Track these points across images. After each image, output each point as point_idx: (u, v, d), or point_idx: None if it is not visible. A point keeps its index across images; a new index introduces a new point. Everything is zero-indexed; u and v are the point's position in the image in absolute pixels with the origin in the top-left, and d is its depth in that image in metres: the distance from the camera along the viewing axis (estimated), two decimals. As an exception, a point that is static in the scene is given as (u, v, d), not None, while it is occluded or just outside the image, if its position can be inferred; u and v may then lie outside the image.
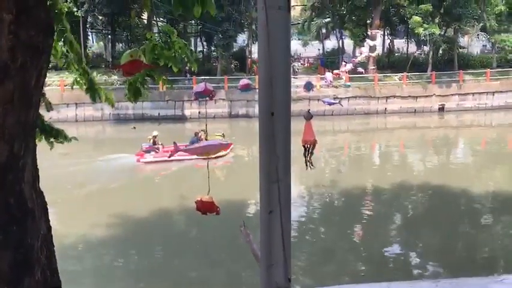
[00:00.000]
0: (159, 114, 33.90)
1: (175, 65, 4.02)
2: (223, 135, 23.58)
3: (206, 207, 4.89)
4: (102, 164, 21.17)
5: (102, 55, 45.21)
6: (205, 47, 43.35)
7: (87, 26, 40.68)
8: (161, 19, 35.35)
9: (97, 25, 42.82)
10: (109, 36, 42.24)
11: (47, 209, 2.34)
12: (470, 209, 16.04)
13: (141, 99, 4.24)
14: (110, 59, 40.78)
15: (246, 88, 8.85)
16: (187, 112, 33.97)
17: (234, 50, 41.48)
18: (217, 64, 38.98)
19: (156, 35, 4.10)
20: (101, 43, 47.78)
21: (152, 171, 20.86)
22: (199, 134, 22.15)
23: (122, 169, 20.38)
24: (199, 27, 41.04)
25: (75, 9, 34.62)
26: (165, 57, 3.98)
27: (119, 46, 42.46)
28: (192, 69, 4.47)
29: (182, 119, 33.56)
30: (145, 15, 37.34)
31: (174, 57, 3.97)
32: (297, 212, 15.00)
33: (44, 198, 2.33)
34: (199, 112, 32.85)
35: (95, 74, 34.75)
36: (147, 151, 21.50)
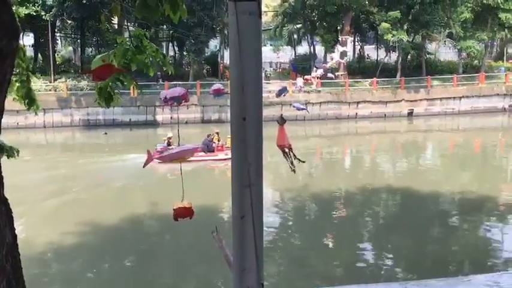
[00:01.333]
0: (130, 119, 33.50)
1: (148, 70, 3.98)
2: None
3: (183, 213, 4.74)
4: (119, 164, 21.94)
5: (71, 60, 44.44)
6: (177, 52, 43.15)
7: (56, 30, 39.92)
8: (132, 24, 35.00)
9: (66, 29, 42.06)
10: (78, 41, 41.54)
11: (12, 217, 2.28)
12: (439, 212, 16.38)
13: (111, 105, 4.17)
14: (80, 64, 40.11)
15: (219, 93, 8.81)
16: (159, 117, 33.67)
17: (206, 55, 41.43)
18: (190, 69, 38.80)
19: (127, 39, 4.04)
20: (70, 48, 46.97)
21: (167, 170, 20.62)
22: (212, 136, 23.19)
23: (137, 168, 20.44)
24: (171, 32, 40.82)
25: (42, 13, 33.97)
26: (137, 62, 3.93)
27: (89, 51, 41.81)
28: (169, 72, 4.43)
29: (154, 124, 33.24)
30: (115, 20, 36.89)
31: (147, 62, 3.93)
32: (270, 216, 15.02)
33: (9, 206, 2.27)
34: (171, 117, 32.63)
35: (63, 79, 34.30)
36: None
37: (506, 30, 40.11)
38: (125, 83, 3.91)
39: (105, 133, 30.53)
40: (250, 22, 2.13)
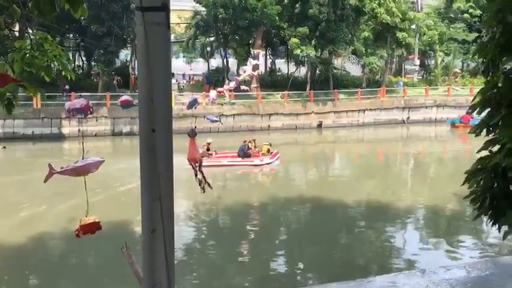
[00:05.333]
0: (33, 132, 31.45)
1: (48, 75, 3.76)
2: (270, 145, 25.58)
3: (90, 229, 4.49)
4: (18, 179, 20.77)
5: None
6: (85, 62, 41.47)
7: None
8: (35, 31, 33.03)
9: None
10: (-27, 48, 38.33)
11: None
12: (346, 219, 17.15)
13: (11, 117, 3.90)
14: (-25, 73, 37.02)
15: (127, 104, 8.58)
16: (65, 130, 31.97)
17: (117, 65, 40.22)
18: (99, 80, 37.38)
19: (28, 43, 3.79)
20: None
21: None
22: (247, 142, 24.32)
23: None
24: (78, 41, 39.14)
25: None
26: (36, 67, 3.71)
27: (-15, 59, 38.77)
28: (69, 78, 4.20)
29: (60, 137, 31.49)
30: (17, 27, 34.61)
31: (48, 66, 3.72)
32: (182, 229, 14.82)
33: None
34: (79, 130, 31.16)
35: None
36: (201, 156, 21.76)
37: (403, 48, 43.45)
38: (27, 90, 3.68)
39: (4, 147, 28.38)
40: (159, 33, 2.11)
